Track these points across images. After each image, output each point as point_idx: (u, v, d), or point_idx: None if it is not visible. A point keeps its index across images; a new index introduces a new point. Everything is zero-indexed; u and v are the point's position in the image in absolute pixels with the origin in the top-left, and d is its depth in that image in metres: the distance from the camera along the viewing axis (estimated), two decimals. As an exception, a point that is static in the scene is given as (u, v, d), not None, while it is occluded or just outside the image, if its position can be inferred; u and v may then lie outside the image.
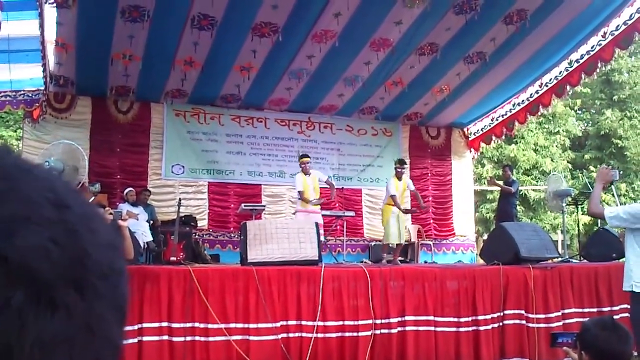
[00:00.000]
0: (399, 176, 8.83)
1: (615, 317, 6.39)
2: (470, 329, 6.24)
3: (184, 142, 10.64)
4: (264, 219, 9.70)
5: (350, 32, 8.25)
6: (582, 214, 16.35)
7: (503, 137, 12.33)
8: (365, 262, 8.36)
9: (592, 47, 9.10)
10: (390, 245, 8.82)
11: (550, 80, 10.16)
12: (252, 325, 5.62)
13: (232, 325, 5.58)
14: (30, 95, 9.38)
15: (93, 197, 5.95)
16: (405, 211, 9.03)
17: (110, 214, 4.87)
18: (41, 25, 7.36)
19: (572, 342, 2.70)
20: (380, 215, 9.28)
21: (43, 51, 8.02)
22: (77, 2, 7.15)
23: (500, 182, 10.44)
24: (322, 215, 9.69)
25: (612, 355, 2.38)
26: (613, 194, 7.43)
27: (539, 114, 11.35)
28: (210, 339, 5.51)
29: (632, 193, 18.33)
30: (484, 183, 14.88)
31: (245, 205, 9.20)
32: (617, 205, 7.47)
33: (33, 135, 9.74)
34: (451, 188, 12.27)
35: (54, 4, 7.14)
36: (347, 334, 5.86)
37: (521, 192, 17.91)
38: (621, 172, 19.14)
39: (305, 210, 8.46)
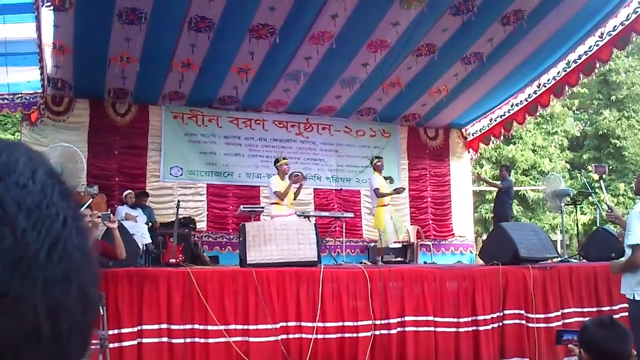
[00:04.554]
0: (379, 170, 8.96)
1: (615, 316, 6.44)
2: (470, 329, 6.24)
3: (182, 144, 10.64)
4: (262, 220, 9.68)
5: (347, 34, 8.25)
6: (581, 214, 16.40)
7: (501, 137, 12.33)
8: (364, 263, 8.35)
9: (589, 48, 9.10)
10: (386, 245, 8.87)
11: (548, 80, 10.15)
12: (251, 327, 5.61)
13: (232, 326, 5.58)
14: (27, 98, 9.36)
15: (91, 200, 5.93)
16: (396, 191, 9.09)
17: (99, 216, 4.86)
18: (38, 28, 7.35)
19: (576, 340, 2.71)
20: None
21: (40, 54, 8.01)
22: (74, 5, 7.15)
23: (488, 177, 10.43)
24: (321, 217, 9.72)
25: (611, 354, 2.38)
26: (601, 187, 7.43)
27: (537, 114, 11.35)
28: (210, 340, 5.51)
29: (630, 192, 18.35)
30: (482, 183, 14.88)
31: (244, 207, 9.19)
32: (607, 202, 7.47)
33: (31, 138, 9.71)
34: (450, 189, 12.28)
35: (51, 7, 7.12)
36: (346, 335, 5.86)
37: (520, 193, 17.93)
38: (615, 170, 19.19)
39: (281, 215, 8.11)
